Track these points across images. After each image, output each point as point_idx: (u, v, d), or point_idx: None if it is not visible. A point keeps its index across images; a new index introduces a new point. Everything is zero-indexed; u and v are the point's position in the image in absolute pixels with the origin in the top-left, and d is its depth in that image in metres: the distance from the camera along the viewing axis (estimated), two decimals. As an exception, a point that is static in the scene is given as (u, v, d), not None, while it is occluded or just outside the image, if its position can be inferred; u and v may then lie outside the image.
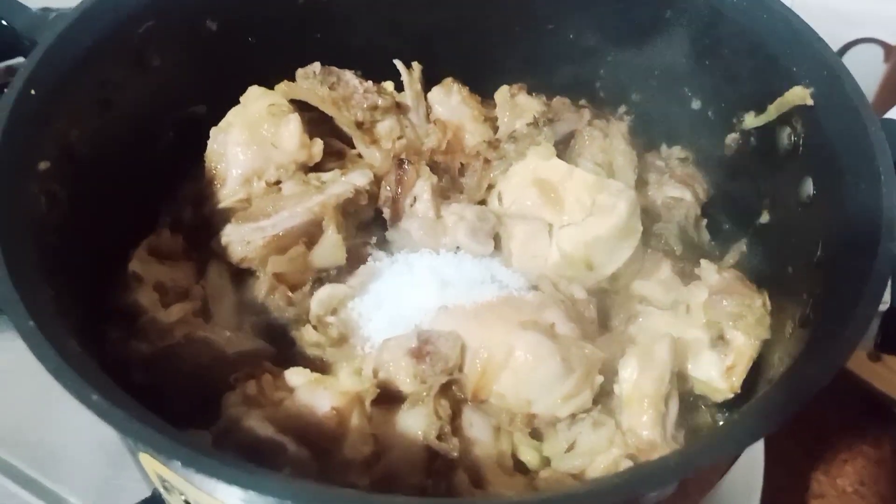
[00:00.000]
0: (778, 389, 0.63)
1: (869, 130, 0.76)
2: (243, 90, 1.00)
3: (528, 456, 0.86)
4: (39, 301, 0.63)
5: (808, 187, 0.84)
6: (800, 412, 1.11)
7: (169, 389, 0.83)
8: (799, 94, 0.86)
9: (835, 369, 0.61)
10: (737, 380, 0.90)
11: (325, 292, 0.89)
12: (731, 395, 0.91)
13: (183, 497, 0.68)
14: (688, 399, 0.92)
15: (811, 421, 1.27)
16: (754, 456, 1.13)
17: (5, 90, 0.75)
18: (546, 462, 0.86)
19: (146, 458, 0.68)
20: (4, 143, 0.70)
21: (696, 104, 1.03)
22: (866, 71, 1.48)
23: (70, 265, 0.76)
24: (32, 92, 0.75)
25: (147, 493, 0.87)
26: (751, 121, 0.95)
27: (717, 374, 0.91)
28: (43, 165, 0.74)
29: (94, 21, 0.83)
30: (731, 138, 0.99)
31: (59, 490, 1.05)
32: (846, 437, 1.31)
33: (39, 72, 0.76)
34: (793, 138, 0.88)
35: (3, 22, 0.88)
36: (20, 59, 1.22)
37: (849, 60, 1.39)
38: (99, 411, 0.55)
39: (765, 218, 0.95)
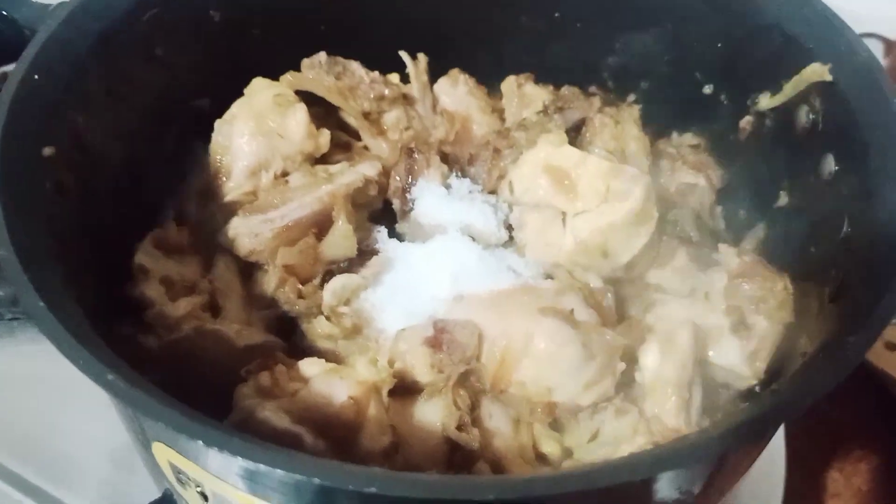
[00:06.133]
0: (818, 361, 0.61)
1: (891, 101, 0.74)
2: (248, 83, 0.98)
3: (550, 447, 0.84)
4: (51, 285, 0.61)
5: (830, 164, 0.83)
6: (817, 409, 1.10)
7: (180, 385, 0.81)
8: (817, 71, 0.85)
9: (873, 339, 0.59)
10: (760, 364, 0.88)
11: (339, 282, 0.87)
12: (755, 382, 0.89)
13: (199, 489, 0.65)
14: (711, 388, 0.90)
15: (827, 419, 1.26)
16: (774, 458, 1.11)
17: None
18: (568, 453, 0.84)
19: (160, 449, 0.65)
20: (9, 127, 0.68)
21: (707, 88, 1.02)
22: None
23: (80, 257, 0.74)
24: (36, 77, 0.73)
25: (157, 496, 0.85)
26: (766, 102, 0.94)
27: (740, 360, 0.89)
28: (48, 151, 0.72)
29: (100, 6, 0.81)
30: (746, 121, 0.98)
31: (65, 500, 1.01)
32: (861, 434, 1.30)
33: (43, 56, 0.74)
34: (811, 116, 0.87)
35: (4, 12, 0.86)
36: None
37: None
38: (115, 391, 0.53)
39: (783, 201, 0.93)
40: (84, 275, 0.73)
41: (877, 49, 1.60)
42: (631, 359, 0.87)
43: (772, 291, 0.88)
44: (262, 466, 0.50)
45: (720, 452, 0.55)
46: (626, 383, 0.86)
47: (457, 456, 0.79)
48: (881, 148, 0.74)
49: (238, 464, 0.55)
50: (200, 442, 0.51)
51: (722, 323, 0.91)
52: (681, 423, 0.83)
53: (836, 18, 0.85)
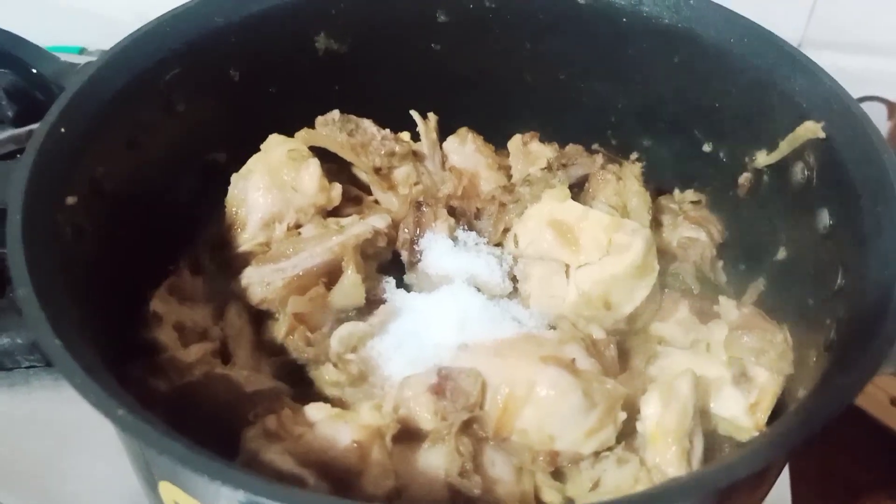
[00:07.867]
0: (810, 403, 0.62)
1: (882, 155, 0.77)
2: (264, 138, 1.02)
3: (551, 497, 0.84)
4: (67, 324, 0.64)
5: (825, 218, 0.85)
6: (831, 467, 1.09)
7: (188, 428, 0.82)
8: (811, 129, 0.88)
9: (864, 379, 0.60)
10: (762, 416, 0.89)
11: (346, 330, 0.89)
12: (757, 434, 0.90)
13: (203, 528, 0.66)
14: (713, 440, 0.90)
15: (841, 477, 1.25)
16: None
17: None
18: (570, 503, 0.85)
19: (166, 488, 0.66)
20: (34, 175, 0.71)
21: (707, 147, 1.05)
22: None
23: (95, 300, 0.76)
24: (62, 130, 0.77)
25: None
26: (763, 159, 0.97)
27: (741, 412, 0.90)
28: (71, 200, 0.76)
29: (125, 64, 0.85)
30: (745, 178, 1.01)
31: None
32: (876, 494, 1.28)
33: (70, 110, 0.79)
34: (806, 172, 0.89)
35: (34, 70, 0.90)
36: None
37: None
38: (124, 426, 0.55)
39: (781, 254, 0.95)
40: (99, 317, 0.76)
41: (880, 112, 1.63)
42: (633, 409, 0.88)
43: (772, 343, 0.90)
44: (264, 500, 0.52)
45: (712, 491, 0.56)
46: (627, 433, 0.87)
47: (459, 502, 0.79)
48: (872, 201, 0.76)
49: (242, 499, 0.56)
50: (206, 476, 0.53)
51: (723, 374, 0.92)
52: (681, 473, 0.83)
53: (827, 76, 0.88)
